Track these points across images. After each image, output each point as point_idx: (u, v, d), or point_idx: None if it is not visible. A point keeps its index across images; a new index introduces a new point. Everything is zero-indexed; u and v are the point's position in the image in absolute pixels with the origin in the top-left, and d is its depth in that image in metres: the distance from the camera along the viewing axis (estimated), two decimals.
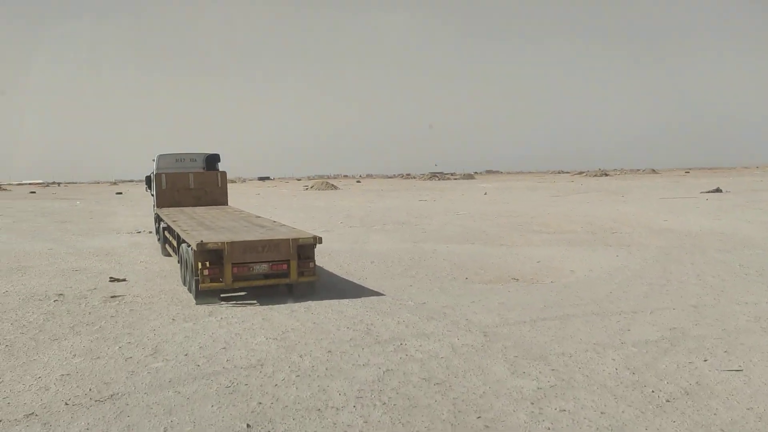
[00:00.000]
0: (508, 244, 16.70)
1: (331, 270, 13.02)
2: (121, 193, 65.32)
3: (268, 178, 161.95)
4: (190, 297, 10.37)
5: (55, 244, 18.73)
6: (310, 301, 9.73)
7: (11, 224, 27.00)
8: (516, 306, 9.35)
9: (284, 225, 12.88)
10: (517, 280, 11.91)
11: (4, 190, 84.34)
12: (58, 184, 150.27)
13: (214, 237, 10.27)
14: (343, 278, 12.10)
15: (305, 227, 22.58)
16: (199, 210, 16.59)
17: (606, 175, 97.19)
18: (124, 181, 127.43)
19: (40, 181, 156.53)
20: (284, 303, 9.69)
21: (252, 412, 5.33)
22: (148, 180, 19.45)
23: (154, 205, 18.56)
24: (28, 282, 12.42)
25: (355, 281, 11.73)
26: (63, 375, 6.30)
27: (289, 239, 9.98)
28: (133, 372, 6.37)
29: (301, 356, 6.82)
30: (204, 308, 9.46)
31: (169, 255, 14.92)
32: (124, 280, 12.49)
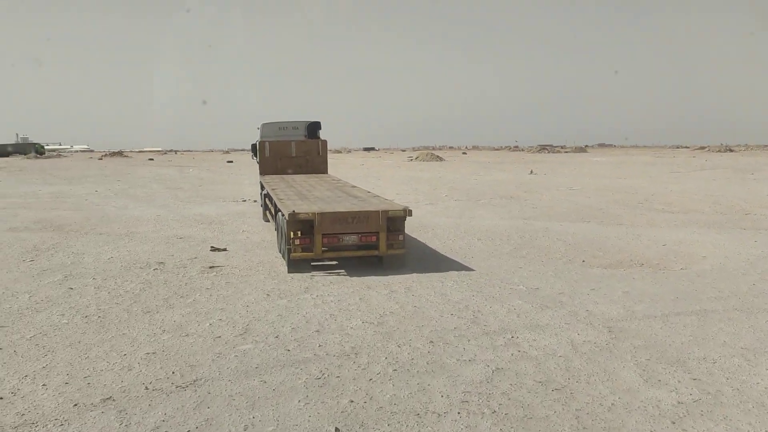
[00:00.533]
0: (628, 224, 15.31)
1: (434, 247, 12.28)
2: (231, 162, 67.13)
3: (373, 149, 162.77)
4: (285, 273, 9.96)
5: (163, 211, 19.07)
6: (411, 281, 9.05)
7: (127, 189, 28.07)
8: (643, 296, 8.24)
9: (377, 196, 12.59)
10: (642, 265, 10.68)
11: (126, 156, 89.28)
12: (175, 151, 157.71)
13: (306, 207, 10.29)
14: (446, 257, 11.31)
15: (408, 200, 21.99)
16: (299, 178, 16.72)
17: (731, 150, 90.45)
18: (236, 150, 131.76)
19: (159, 149, 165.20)
20: (381, 279, 9.07)
21: (342, 412, 4.70)
22: (254, 148, 19.79)
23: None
24: (134, 248, 12.49)
25: (459, 260, 10.92)
26: (149, 354, 5.93)
27: (378, 211, 9.90)
28: (219, 354, 5.92)
29: (399, 346, 6.14)
30: (299, 283, 8.99)
31: (269, 221, 14.93)
32: (224, 249, 12.31)
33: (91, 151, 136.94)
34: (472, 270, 9.98)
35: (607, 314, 7.32)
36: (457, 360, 5.74)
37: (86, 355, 5.88)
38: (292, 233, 9.67)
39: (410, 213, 10.17)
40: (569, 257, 11.16)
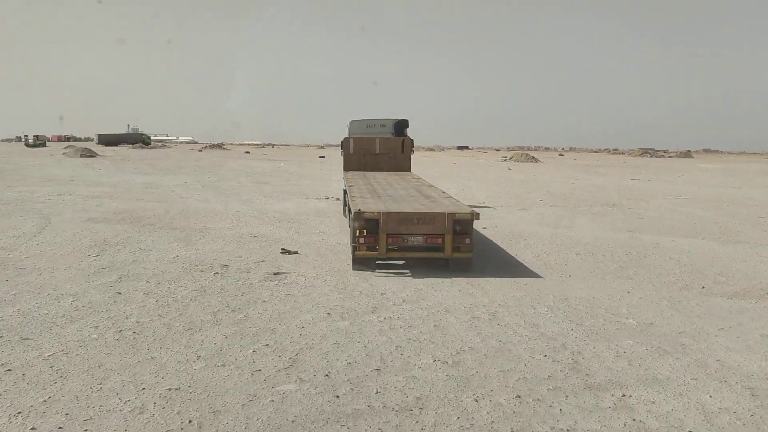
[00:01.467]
0: (751, 243, 13.29)
1: (525, 262, 10.86)
2: (323, 157, 67.21)
3: (466, 148, 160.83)
4: (355, 283, 8.88)
5: (245, 206, 18.50)
6: (497, 305, 7.73)
7: (215, 182, 27.97)
8: None
9: (450, 197, 12.10)
10: None
11: (224, 149, 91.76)
12: (272, 145, 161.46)
13: (373, 206, 10.21)
14: (540, 275, 9.89)
15: (499, 204, 20.53)
16: (380, 175, 16.47)
17: None
18: (330, 145, 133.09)
19: (258, 142, 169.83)
20: (462, 301, 7.81)
21: None
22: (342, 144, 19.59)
23: None
24: (203, 247, 11.78)
25: (555, 280, 9.48)
26: (171, 390, 4.93)
27: (445, 213, 9.69)
28: (253, 397, 4.84)
29: (477, 400, 4.87)
30: (367, 301, 7.85)
31: (347, 218, 14.24)
32: (295, 252, 11.39)
33: (195, 142, 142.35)
34: (571, 292, 8.53)
35: (746, 368, 5.75)
36: (551, 429, 4.42)
37: (99, 386, 4.95)
38: (357, 231, 9.66)
39: (477, 216, 9.85)
40: (685, 282, 9.47)
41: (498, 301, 7.95)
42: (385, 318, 7.04)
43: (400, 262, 10.50)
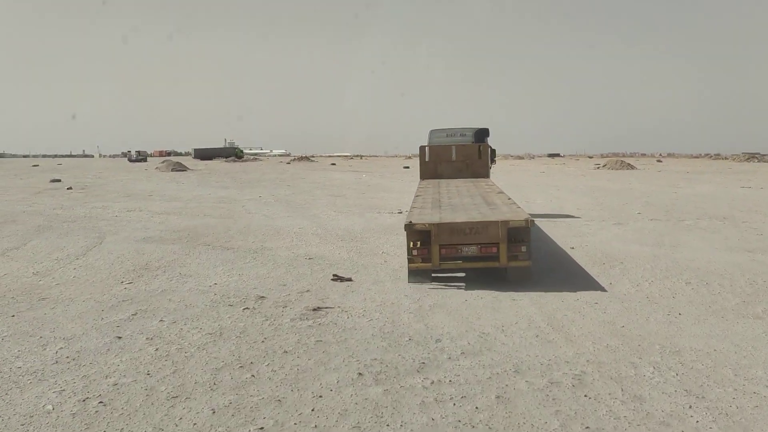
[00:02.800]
0: None
1: (622, 292, 8.91)
2: (408, 167, 65.93)
3: (558, 155, 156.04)
4: (407, 323, 7.28)
5: (308, 222, 17.27)
6: (584, 362, 5.92)
7: (289, 196, 27.05)
8: None
9: (513, 204, 11.60)
10: None
11: (312, 161, 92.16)
12: (360, 156, 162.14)
13: (426, 217, 10.00)
14: (640, 314, 7.95)
15: (591, 217, 18.33)
16: (453, 183, 16.06)
17: None
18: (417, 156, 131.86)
19: (347, 154, 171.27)
20: (537, 355, 6.04)
21: None
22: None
23: None
24: (247, 272, 10.54)
25: (661, 320, 7.52)
26: None
27: (498, 221, 9.39)
28: None
29: None
30: (415, 352, 6.22)
31: None
32: (348, 279, 9.94)
33: (288, 155, 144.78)
34: (683, 343, 6.58)
35: None
36: None
37: None
38: (411, 243, 9.50)
39: (532, 223, 9.41)
40: None
41: (586, 355, 6.13)
42: (433, 382, 5.38)
43: (461, 274, 10.10)
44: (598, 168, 62.12)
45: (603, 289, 9.09)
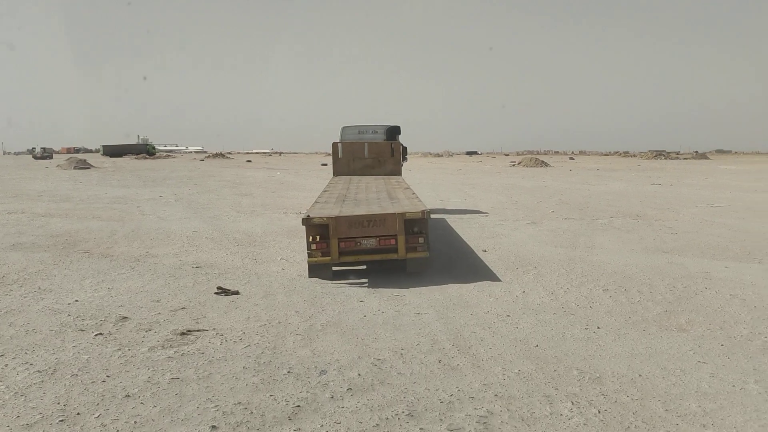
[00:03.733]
0: None
1: (536, 303, 8.09)
2: (326, 164, 64.62)
3: (475, 153, 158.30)
4: (291, 349, 6.16)
5: (205, 224, 15.85)
6: (493, 393, 4.98)
7: (193, 195, 25.36)
8: None
9: (414, 198, 11.68)
10: None
11: (227, 158, 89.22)
12: (280, 153, 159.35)
13: (325, 211, 10.03)
14: (555, 329, 7.13)
15: (505, 216, 17.71)
16: (364, 180, 16.19)
17: None
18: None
19: (266, 151, 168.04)
20: (438, 379, 5.06)
21: None
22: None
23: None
24: (119, 285, 9.14)
25: (579, 337, 6.70)
26: None
27: (395, 214, 9.48)
28: None
29: None
30: (293, 389, 5.09)
31: None
32: (235, 293, 8.73)
33: (204, 152, 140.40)
34: (604, 367, 5.74)
35: None
36: None
37: None
38: (310, 237, 9.47)
39: (429, 215, 9.57)
40: (766, 337, 6.66)
41: (495, 386, 5.18)
42: (316, 428, 4.29)
43: (362, 267, 10.30)
44: (514, 165, 62.78)
45: (516, 299, 8.24)
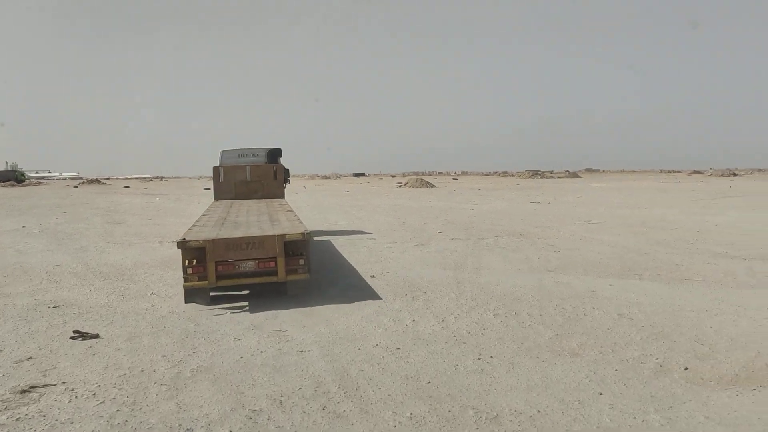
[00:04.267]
0: (703, 280, 10.79)
1: (427, 331, 7.67)
2: (209, 189, 62.50)
3: (363, 175, 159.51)
4: (153, 403, 5.35)
5: (69, 257, 14.43)
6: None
7: (60, 225, 23.34)
8: None
9: (295, 220, 11.42)
10: None
11: (104, 183, 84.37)
12: (161, 178, 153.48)
13: (202, 235, 9.67)
14: (447, 354, 6.73)
15: (393, 238, 17.41)
16: (246, 203, 15.77)
17: (734, 174, 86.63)
18: None
19: (146, 176, 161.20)
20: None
21: None
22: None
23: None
24: None
25: (472, 368, 6.31)
26: None
27: (275, 235, 9.29)
28: None
29: None
30: None
31: None
32: (95, 336, 7.74)
33: (80, 178, 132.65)
34: (501, 403, 5.35)
35: None
36: None
37: None
38: (186, 261, 9.16)
39: (309, 236, 9.53)
40: (657, 359, 6.54)
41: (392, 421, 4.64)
42: None
43: (246, 291, 10.14)
44: (401, 186, 63.39)
45: (406, 329, 7.78)
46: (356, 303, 9.29)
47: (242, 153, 19.36)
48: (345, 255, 14.18)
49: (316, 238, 17.61)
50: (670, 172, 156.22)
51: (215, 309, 9.13)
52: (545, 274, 11.34)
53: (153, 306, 9.52)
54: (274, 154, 19.10)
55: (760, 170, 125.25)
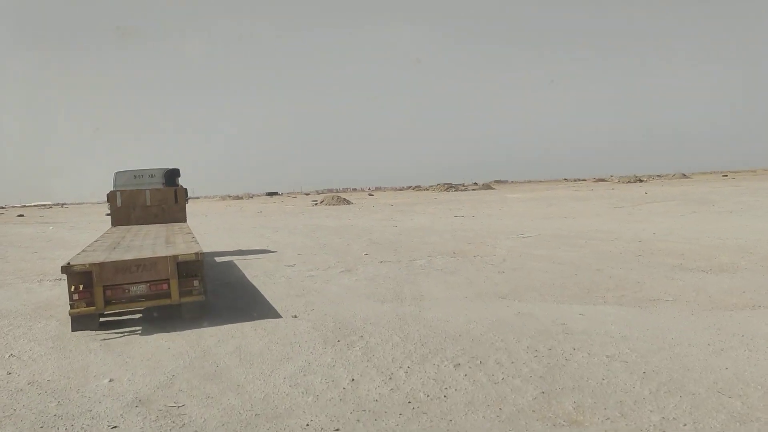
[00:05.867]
0: (672, 300, 9.44)
1: (371, 398, 5.80)
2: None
3: (276, 194, 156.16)
4: None
5: None
6: None
7: None
8: None
9: (192, 242, 10.93)
10: None
11: None
12: (62, 205, 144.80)
13: (89, 258, 9.26)
14: (403, 428, 4.89)
15: (315, 263, 15.50)
16: (145, 228, 15.13)
17: (641, 180, 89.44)
18: None
19: (46, 203, 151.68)
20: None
21: None
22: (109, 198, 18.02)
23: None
24: None
25: None
26: None
27: (167, 257, 8.93)
28: None
29: None
30: None
31: None
32: None
33: None
34: None
35: None
36: None
37: None
38: (72, 287, 8.74)
39: (203, 256, 9.20)
40: (685, 425, 4.93)
41: None
42: None
43: (139, 315, 9.85)
44: (317, 204, 61.32)
45: (344, 395, 5.87)
46: (276, 355, 7.30)
47: (137, 174, 18.41)
48: (259, 288, 12.13)
49: (225, 267, 15.41)
50: (575, 180, 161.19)
51: (92, 371, 6.93)
52: (498, 303, 9.70)
53: (9, 374, 7.22)
54: (173, 175, 18.26)
55: (659, 176, 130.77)
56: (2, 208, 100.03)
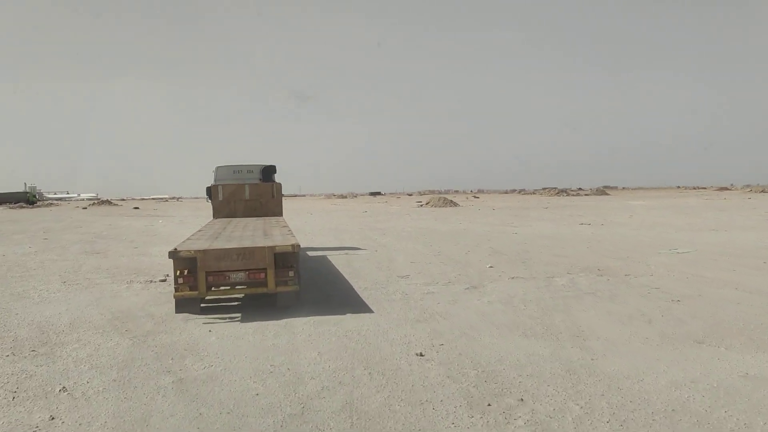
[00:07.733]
0: None
1: None
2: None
3: (379, 194, 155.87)
4: None
5: None
6: None
7: (24, 256, 19.48)
8: None
9: (288, 234, 11.08)
10: None
11: (114, 205, 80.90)
12: (177, 199, 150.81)
13: (194, 246, 9.66)
14: None
15: (431, 275, 13.27)
16: (244, 220, 15.85)
17: (764, 191, 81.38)
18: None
19: (163, 196, 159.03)
20: None
21: None
22: (208, 191, 18.62)
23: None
24: None
25: None
26: None
27: (265, 247, 9.28)
28: None
29: None
30: None
31: None
32: None
33: (97, 199, 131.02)
34: None
35: None
36: None
37: None
38: (177, 271, 9.24)
39: (299, 248, 9.42)
40: None
41: None
42: None
43: (237, 302, 10.22)
44: (422, 206, 59.20)
45: None
46: (401, 424, 5.08)
47: (237, 169, 19.15)
48: (371, 305, 10.01)
49: (329, 274, 13.44)
50: (695, 188, 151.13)
51: (154, 424, 4.99)
52: (699, 352, 7.06)
53: (51, 420, 5.43)
54: (269, 172, 19.07)
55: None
56: (123, 200, 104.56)
